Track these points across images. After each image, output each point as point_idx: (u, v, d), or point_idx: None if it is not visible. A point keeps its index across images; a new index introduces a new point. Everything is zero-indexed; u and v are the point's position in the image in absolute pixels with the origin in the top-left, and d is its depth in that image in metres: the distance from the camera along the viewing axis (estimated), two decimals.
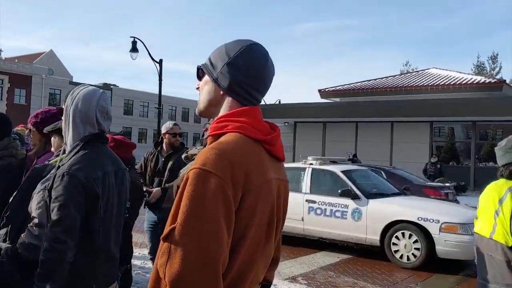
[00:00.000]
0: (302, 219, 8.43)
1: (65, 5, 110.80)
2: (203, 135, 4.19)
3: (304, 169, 8.94)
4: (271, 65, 1.42)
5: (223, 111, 1.38)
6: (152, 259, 5.18)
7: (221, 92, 1.38)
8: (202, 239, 1.14)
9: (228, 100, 1.38)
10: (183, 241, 1.15)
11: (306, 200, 8.45)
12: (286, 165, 2.01)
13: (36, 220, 2.33)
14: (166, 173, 4.88)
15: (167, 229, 1.20)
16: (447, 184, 12.98)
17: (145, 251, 5.58)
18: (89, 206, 2.10)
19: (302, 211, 8.43)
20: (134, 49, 19.38)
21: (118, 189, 2.29)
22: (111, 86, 51.60)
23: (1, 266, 2.36)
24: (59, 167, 2.18)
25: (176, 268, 1.14)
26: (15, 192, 2.72)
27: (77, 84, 51.47)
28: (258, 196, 1.25)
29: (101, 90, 2.34)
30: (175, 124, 5.08)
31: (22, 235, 2.35)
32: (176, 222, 1.17)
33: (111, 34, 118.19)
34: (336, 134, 24.23)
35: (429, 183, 12.83)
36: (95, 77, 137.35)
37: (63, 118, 2.26)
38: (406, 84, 25.35)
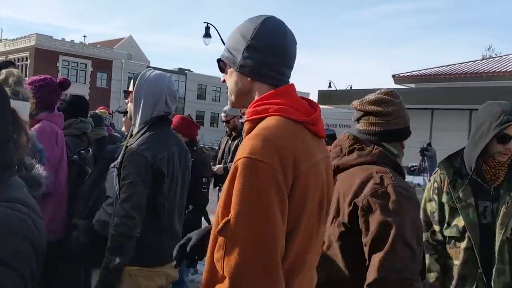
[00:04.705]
0: None
1: None
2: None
3: None
4: (290, 35, 1.32)
5: (256, 97, 1.31)
6: None
7: (249, 79, 1.31)
8: (259, 229, 1.11)
9: (258, 86, 1.31)
10: (239, 233, 1.12)
11: None
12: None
13: (110, 200, 2.47)
14: (230, 155, 5.19)
15: (221, 222, 1.16)
16: None
17: None
18: (155, 184, 2.20)
19: None
20: (207, 34, 19.60)
21: (182, 169, 2.38)
22: (186, 71, 52.76)
23: (77, 240, 2.54)
24: (127, 147, 2.31)
25: (234, 261, 1.11)
26: (91, 171, 2.89)
27: (154, 68, 53.15)
28: (308, 182, 1.20)
29: (168, 74, 2.43)
30: (223, 111, 5.33)
31: (97, 212, 2.49)
32: (230, 215, 1.14)
33: (185, 21, 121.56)
34: (410, 121, 23.39)
35: None
36: (170, 62, 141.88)
37: (132, 100, 2.34)
38: (487, 70, 23.84)
